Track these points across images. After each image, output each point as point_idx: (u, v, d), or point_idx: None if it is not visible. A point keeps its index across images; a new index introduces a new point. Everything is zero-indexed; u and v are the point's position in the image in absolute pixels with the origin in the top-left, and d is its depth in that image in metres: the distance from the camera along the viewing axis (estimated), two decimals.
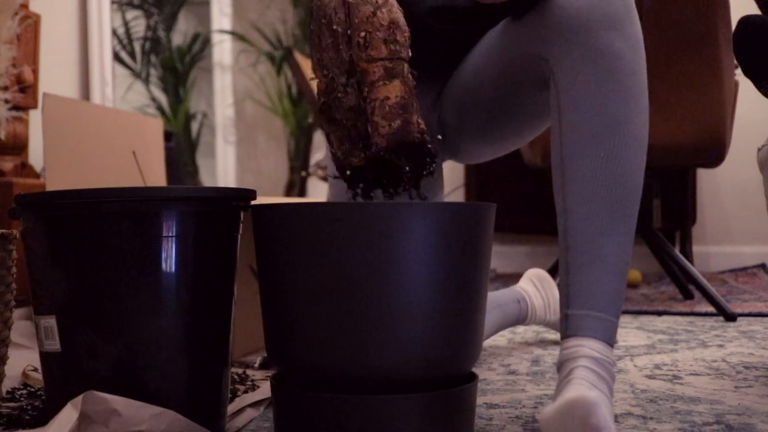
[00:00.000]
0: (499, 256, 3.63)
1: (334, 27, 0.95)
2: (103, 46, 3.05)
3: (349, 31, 0.94)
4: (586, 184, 0.99)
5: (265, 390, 1.18)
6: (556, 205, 1.03)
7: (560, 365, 0.96)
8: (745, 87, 2.23)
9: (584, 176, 1.00)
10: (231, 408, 1.07)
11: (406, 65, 0.95)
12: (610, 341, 0.97)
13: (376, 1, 0.94)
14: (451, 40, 1.32)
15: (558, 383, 0.93)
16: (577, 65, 1.02)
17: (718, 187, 3.51)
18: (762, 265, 3.34)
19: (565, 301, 0.99)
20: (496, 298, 1.51)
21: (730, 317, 2.03)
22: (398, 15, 0.95)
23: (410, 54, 0.96)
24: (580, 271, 0.98)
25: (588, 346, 0.94)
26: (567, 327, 0.97)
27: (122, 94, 4.31)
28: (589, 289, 0.97)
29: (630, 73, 1.01)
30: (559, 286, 1.01)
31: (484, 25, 1.29)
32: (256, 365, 1.41)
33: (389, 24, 0.94)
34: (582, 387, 0.87)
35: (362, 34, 0.93)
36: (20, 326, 1.66)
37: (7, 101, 2.04)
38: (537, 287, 1.61)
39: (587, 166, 1.00)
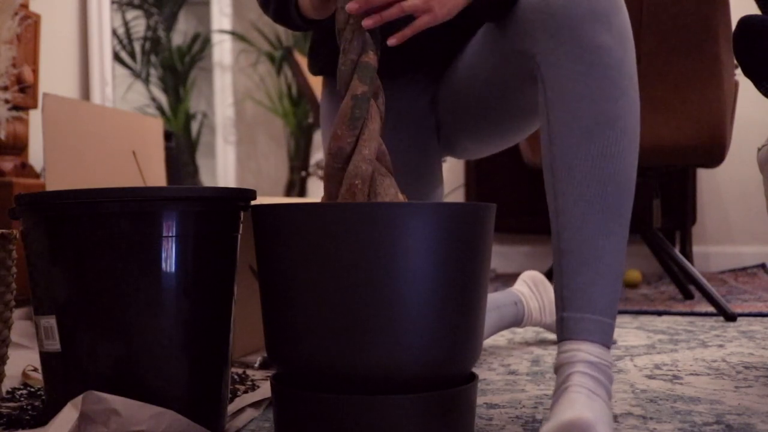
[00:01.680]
0: (499, 256, 3.63)
1: None
2: (103, 46, 3.06)
3: None
4: (578, 184, 0.96)
5: (265, 390, 1.18)
6: (549, 206, 1.00)
7: (557, 369, 0.94)
8: (745, 87, 2.23)
9: (576, 175, 0.96)
10: (231, 408, 1.07)
11: None
12: (607, 343, 0.95)
13: None
14: (444, 40, 1.31)
15: (555, 389, 0.92)
16: (562, 60, 0.99)
17: (718, 187, 3.51)
18: (762, 265, 3.34)
19: (560, 304, 0.97)
20: (493, 299, 1.51)
21: (730, 317, 2.03)
22: None
23: None
24: (574, 273, 0.96)
25: (585, 350, 0.92)
26: (563, 330, 0.95)
27: (122, 94, 4.31)
28: (585, 292, 0.95)
29: (617, 67, 0.98)
30: (554, 288, 1.00)
31: (476, 21, 1.28)
32: (256, 365, 1.41)
33: None
34: (580, 398, 0.86)
35: None
36: (20, 326, 1.66)
37: (7, 101, 2.04)
38: (532, 290, 1.61)
39: (579, 164, 0.96)
